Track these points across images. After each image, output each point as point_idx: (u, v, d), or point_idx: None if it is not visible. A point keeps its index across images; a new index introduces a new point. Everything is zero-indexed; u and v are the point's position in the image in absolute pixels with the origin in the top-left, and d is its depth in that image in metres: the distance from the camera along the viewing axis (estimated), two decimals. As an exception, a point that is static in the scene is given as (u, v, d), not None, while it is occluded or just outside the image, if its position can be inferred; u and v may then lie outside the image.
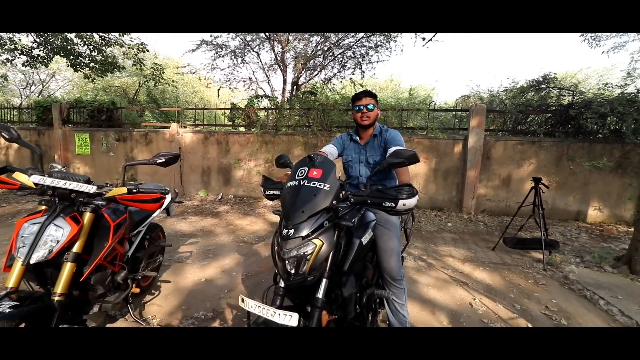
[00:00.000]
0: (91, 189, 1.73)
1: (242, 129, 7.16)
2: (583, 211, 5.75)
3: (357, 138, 2.30)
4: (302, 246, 1.38)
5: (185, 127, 7.38)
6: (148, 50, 8.24)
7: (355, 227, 1.73)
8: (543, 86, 6.32)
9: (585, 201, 5.74)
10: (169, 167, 1.96)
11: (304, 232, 1.37)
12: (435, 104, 9.21)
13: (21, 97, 17.74)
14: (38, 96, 16.28)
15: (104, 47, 8.30)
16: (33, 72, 17.27)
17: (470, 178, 5.89)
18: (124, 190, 1.77)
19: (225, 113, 7.50)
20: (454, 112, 6.98)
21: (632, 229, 3.69)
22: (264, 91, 11.29)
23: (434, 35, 5.50)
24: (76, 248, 1.72)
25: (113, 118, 7.64)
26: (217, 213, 5.83)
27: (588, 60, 34.33)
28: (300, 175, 1.55)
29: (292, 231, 1.38)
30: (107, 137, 7.35)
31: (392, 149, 1.61)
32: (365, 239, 1.69)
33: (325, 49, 10.27)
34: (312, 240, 1.39)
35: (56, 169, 1.85)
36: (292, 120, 6.56)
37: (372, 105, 2.15)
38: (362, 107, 2.17)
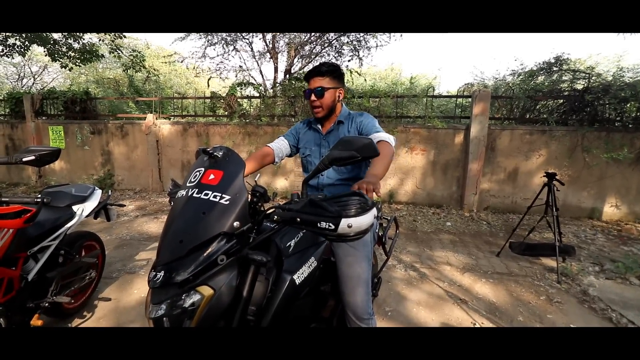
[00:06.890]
0: None
1: (225, 119, 6.61)
2: (598, 208, 5.16)
3: (318, 126, 1.69)
4: (178, 298, 0.85)
5: (167, 118, 6.85)
6: (125, 37, 7.68)
7: (289, 255, 1.18)
8: (555, 69, 5.67)
9: (601, 197, 5.14)
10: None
11: (182, 276, 0.83)
12: (435, 92, 8.56)
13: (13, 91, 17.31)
14: (30, 89, 15.79)
15: (80, 35, 7.77)
16: (24, 65, 16.86)
17: (472, 171, 5.30)
18: (-33, 200, 1.25)
19: (204, 102, 6.93)
20: (455, 99, 6.35)
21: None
22: (255, 80, 10.72)
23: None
24: None
25: (87, 109, 7.10)
26: (194, 212, 5.31)
27: (601, 45, 32.76)
28: (192, 181, 1.01)
29: (161, 275, 0.84)
30: (81, 130, 6.81)
31: (344, 137, 1.05)
32: (302, 273, 1.14)
33: (319, 34, 9.67)
34: (197, 289, 0.86)
35: None
36: (276, 109, 5.99)
37: (321, 89, 1.52)
38: (310, 92, 1.55)
